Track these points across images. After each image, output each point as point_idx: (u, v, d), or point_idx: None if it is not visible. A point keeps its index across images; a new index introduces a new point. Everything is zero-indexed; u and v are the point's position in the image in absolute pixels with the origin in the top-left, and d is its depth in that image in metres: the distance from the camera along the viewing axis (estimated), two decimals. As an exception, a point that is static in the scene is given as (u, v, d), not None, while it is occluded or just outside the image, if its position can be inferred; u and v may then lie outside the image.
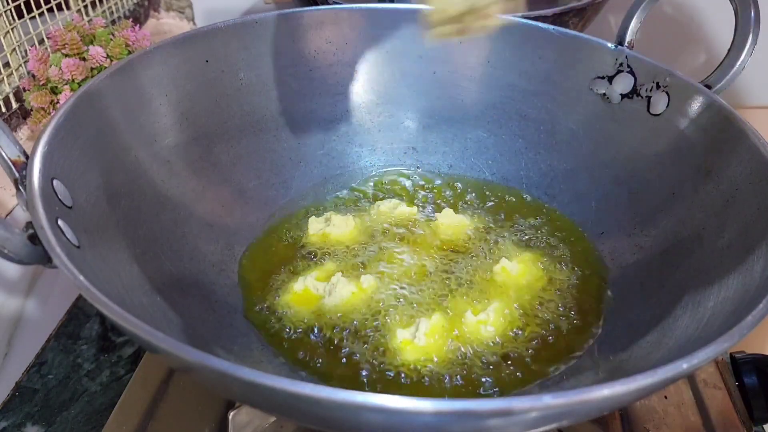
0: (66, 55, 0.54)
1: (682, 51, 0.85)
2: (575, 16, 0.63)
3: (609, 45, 0.47)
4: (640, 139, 0.45)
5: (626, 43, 0.46)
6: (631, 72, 0.46)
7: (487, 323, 0.39)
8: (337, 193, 0.51)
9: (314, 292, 0.41)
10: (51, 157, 0.31)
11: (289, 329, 0.39)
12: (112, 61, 0.55)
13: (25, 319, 0.48)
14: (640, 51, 0.46)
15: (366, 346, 0.38)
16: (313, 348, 0.38)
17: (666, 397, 0.42)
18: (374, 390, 0.36)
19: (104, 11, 0.73)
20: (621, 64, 0.46)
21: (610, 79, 0.47)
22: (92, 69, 0.54)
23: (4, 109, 0.57)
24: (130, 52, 0.56)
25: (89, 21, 0.61)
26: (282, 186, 0.49)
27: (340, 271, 0.43)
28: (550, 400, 0.21)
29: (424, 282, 0.42)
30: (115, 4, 0.76)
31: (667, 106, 0.44)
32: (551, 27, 0.49)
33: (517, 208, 0.49)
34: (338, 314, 0.40)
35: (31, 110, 0.55)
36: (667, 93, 0.44)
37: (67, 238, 0.28)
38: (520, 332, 0.39)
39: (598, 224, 0.47)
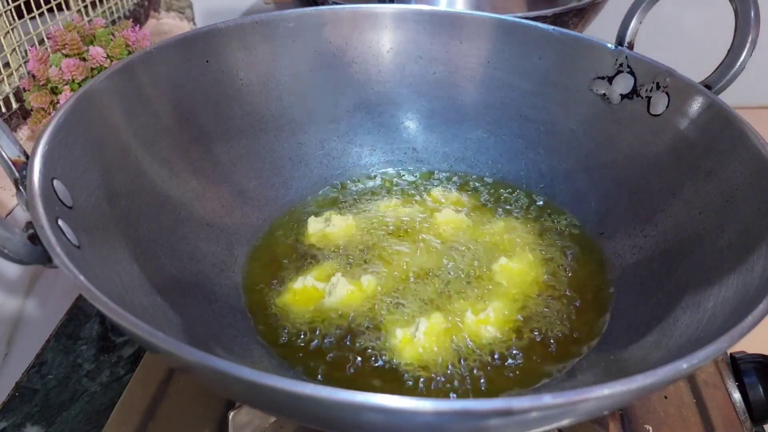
0: (66, 56, 0.54)
1: (682, 51, 0.85)
2: (575, 16, 0.64)
3: (609, 45, 0.47)
4: (640, 139, 0.45)
5: (626, 44, 0.46)
6: (631, 72, 0.46)
7: (487, 323, 0.39)
8: (337, 193, 0.51)
9: (314, 292, 0.41)
10: (51, 157, 0.31)
11: (289, 329, 0.39)
12: (112, 61, 0.55)
13: (25, 319, 0.48)
14: (640, 51, 0.46)
15: (366, 345, 0.38)
16: (312, 348, 0.38)
17: (666, 397, 0.42)
18: (374, 390, 0.36)
19: (104, 11, 0.73)
20: (621, 65, 0.46)
21: (610, 79, 0.47)
22: (92, 69, 0.54)
23: (4, 109, 0.57)
24: (130, 52, 0.56)
25: (89, 21, 0.61)
26: (282, 186, 0.49)
27: (340, 270, 0.43)
28: (550, 400, 0.21)
29: (423, 281, 0.42)
30: (115, 4, 0.76)
31: (667, 107, 0.44)
32: (551, 27, 0.49)
33: (516, 208, 0.49)
34: (338, 314, 0.40)
35: (31, 110, 0.55)
36: (667, 93, 0.44)
37: (67, 238, 0.28)
38: (519, 331, 0.39)
39: (598, 224, 0.47)
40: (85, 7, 0.69)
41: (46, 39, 0.58)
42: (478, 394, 0.36)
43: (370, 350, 0.38)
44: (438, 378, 0.36)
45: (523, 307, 0.41)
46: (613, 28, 0.47)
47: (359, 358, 0.37)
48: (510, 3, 0.90)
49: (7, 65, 0.57)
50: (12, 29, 0.57)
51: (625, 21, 0.46)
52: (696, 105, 0.42)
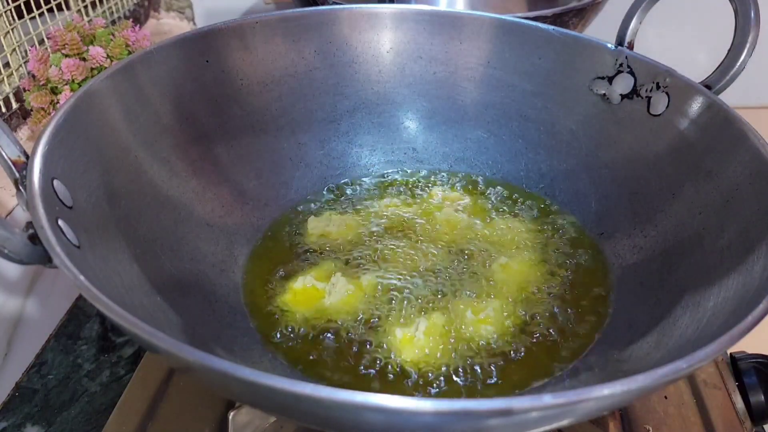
0: (66, 56, 0.54)
1: (682, 51, 0.85)
2: (575, 16, 0.64)
3: (609, 45, 0.47)
4: (640, 139, 0.45)
5: (626, 44, 0.46)
6: (631, 72, 0.46)
7: (486, 322, 0.39)
8: (337, 193, 0.51)
9: (314, 292, 0.41)
10: (51, 157, 0.31)
11: (289, 329, 0.39)
12: (112, 61, 0.55)
13: (25, 319, 0.48)
14: (640, 51, 0.46)
15: (366, 345, 0.38)
16: (312, 347, 0.38)
17: (666, 397, 0.42)
18: (374, 390, 0.36)
19: (104, 11, 0.73)
20: (621, 65, 0.46)
21: (610, 79, 0.47)
22: (92, 69, 0.54)
23: (4, 109, 0.57)
24: (130, 53, 0.56)
25: (89, 21, 0.61)
26: (282, 186, 0.49)
27: (340, 270, 0.43)
28: (550, 400, 0.21)
29: (423, 281, 0.42)
30: (115, 4, 0.76)
31: (667, 107, 0.44)
32: (551, 27, 0.49)
33: (516, 208, 0.49)
34: (338, 313, 0.40)
35: (31, 110, 0.55)
36: (667, 93, 0.44)
37: (67, 238, 0.28)
38: (519, 331, 0.39)
39: (598, 224, 0.47)
40: (85, 7, 0.69)
41: (46, 39, 0.58)
42: (478, 394, 0.36)
43: (369, 350, 0.38)
44: (438, 378, 0.36)
45: (523, 307, 0.41)
46: (613, 28, 0.47)
47: (359, 358, 0.37)
48: (510, 3, 0.90)
49: (7, 65, 0.57)
50: (12, 29, 0.57)
51: (625, 21, 0.46)
52: (696, 105, 0.42)
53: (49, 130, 0.32)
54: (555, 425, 0.25)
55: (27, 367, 0.48)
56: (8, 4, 0.56)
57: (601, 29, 0.61)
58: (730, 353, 0.45)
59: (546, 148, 0.51)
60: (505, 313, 0.40)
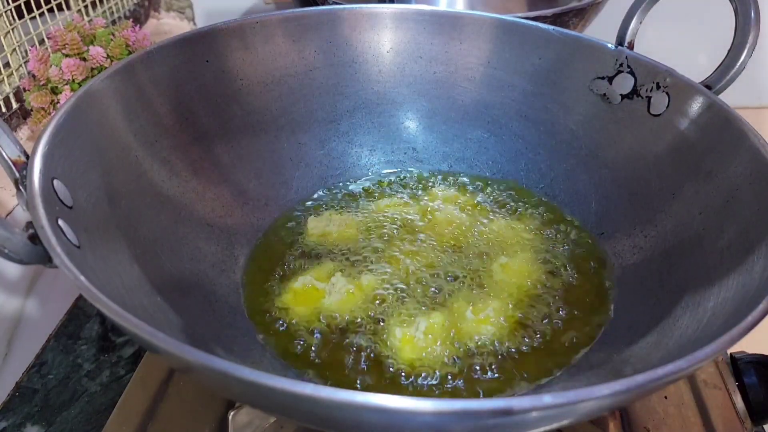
0: (66, 55, 0.54)
1: (682, 51, 0.85)
2: (575, 16, 0.64)
3: (609, 45, 0.47)
4: (641, 139, 0.45)
5: (626, 44, 0.46)
6: (631, 72, 0.46)
7: (486, 322, 0.39)
8: (337, 193, 0.51)
9: (314, 292, 0.41)
10: (51, 157, 0.31)
11: (289, 329, 0.39)
12: (112, 61, 0.55)
13: (25, 319, 0.48)
14: (640, 51, 0.46)
15: (365, 345, 0.38)
16: (312, 347, 0.38)
17: (666, 397, 0.42)
18: (374, 390, 0.35)
19: (104, 11, 0.73)
20: (621, 65, 0.46)
21: (610, 79, 0.47)
22: (92, 69, 0.55)
23: (4, 109, 0.57)
24: (130, 52, 0.56)
25: (89, 21, 0.61)
26: (282, 186, 0.49)
27: (340, 270, 0.43)
28: (550, 400, 0.21)
29: (423, 281, 0.42)
30: (116, 4, 0.76)
31: (667, 107, 0.44)
32: (551, 27, 0.49)
33: (516, 208, 0.49)
34: (338, 313, 0.40)
35: (32, 110, 0.55)
36: (667, 93, 0.44)
37: (67, 238, 0.28)
38: (519, 331, 0.39)
39: (598, 225, 0.47)
40: (85, 7, 0.69)
41: (46, 39, 0.58)
42: (478, 394, 0.36)
43: (370, 350, 0.38)
44: (438, 378, 0.36)
45: (523, 307, 0.41)
46: (613, 28, 0.47)
47: (359, 358, 0.37)
48: (510, 3, 0.90)
49: (7, 65, 0.57)
50: (12, 29, 0.57)
51: (625, 21, 0.46)
52: (696, 105, 0.42)
53: (49, 130, 0.32)
54: (555, 425, 0.25)
55: (27, 367, 0.48)
56: (8, 4, 0.56)
57: (601, 29, 0.61)
58: (730, 353, 0.45)
59: (546, 148, 0.51)
60: (505, 313, 0.40)
